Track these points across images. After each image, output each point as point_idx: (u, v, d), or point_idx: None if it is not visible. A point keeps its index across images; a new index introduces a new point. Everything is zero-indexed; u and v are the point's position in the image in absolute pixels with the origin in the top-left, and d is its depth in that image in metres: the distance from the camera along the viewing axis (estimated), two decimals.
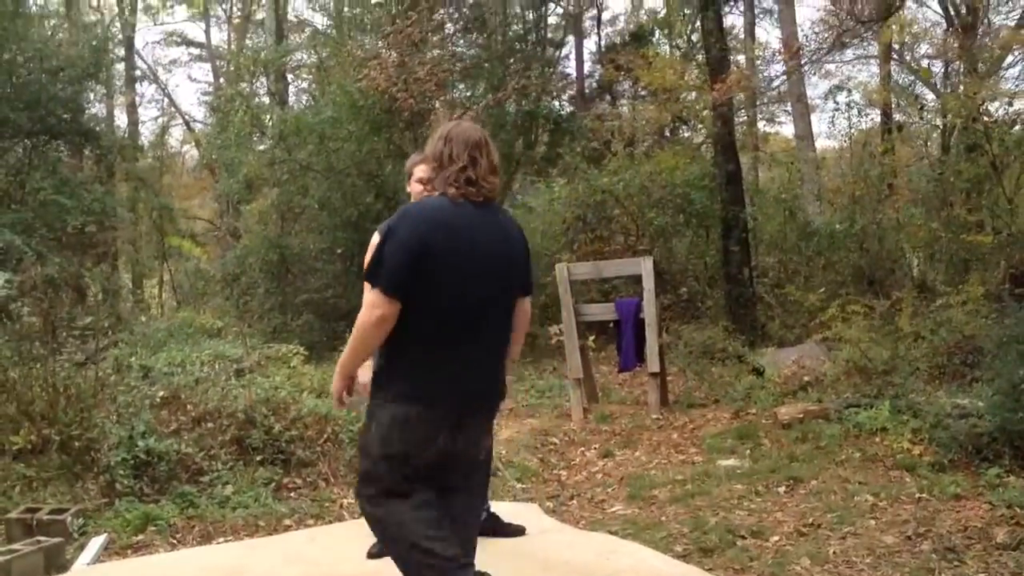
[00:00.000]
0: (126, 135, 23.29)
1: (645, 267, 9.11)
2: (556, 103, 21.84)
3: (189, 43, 33.25)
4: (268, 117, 14.42)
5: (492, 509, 5.25)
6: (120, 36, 28.43)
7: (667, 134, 22.30)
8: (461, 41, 19.23)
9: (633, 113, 24.39)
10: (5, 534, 6.25)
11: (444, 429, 3.40)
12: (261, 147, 13.59)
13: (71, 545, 6.07)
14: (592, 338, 11.41)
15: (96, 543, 6.08)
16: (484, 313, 3.46)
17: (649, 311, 9.03)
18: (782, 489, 6.58)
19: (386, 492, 3.43)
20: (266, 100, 16.00)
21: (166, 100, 32.45)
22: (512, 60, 18.40)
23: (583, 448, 8.23)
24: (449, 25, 19.57)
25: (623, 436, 8.49)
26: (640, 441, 8.33)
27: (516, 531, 4.82)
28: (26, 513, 6.34)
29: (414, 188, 5.06)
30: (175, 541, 6.10)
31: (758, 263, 14.41)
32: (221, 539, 6.09)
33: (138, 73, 29.72)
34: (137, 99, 30.03)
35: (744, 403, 9.14)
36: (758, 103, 23.23)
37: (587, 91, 24.42)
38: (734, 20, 23.41)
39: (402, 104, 12.47)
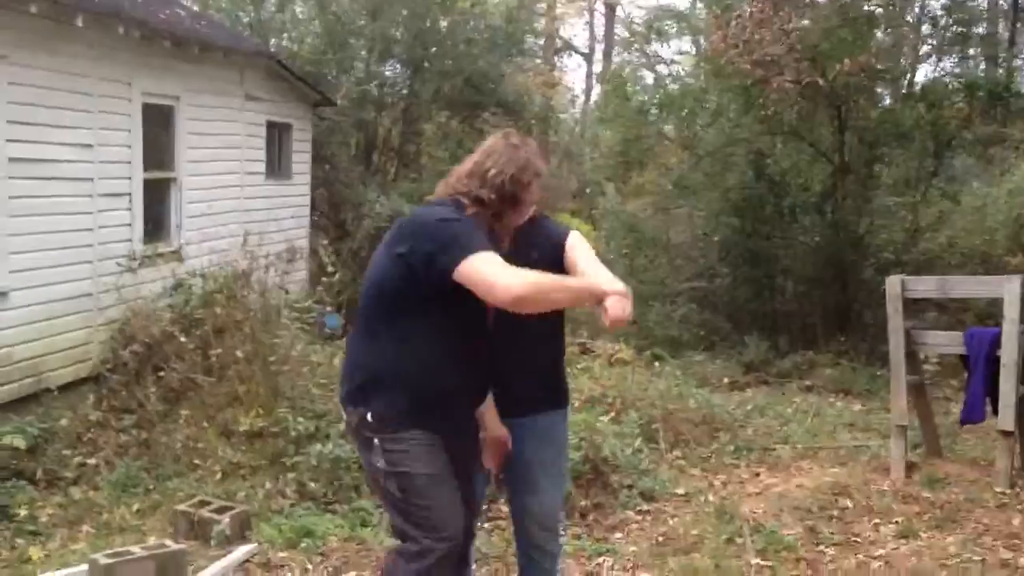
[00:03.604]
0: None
1: (1009, 290, 6.80)
2: None
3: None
4: (633, 88, 13.30)
5: None
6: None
7: None
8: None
9: None
10: (172, 524, 5.97)
11: None
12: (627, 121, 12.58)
13: (216, 550, 5.62)
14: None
15: (235, 554, 5.55)
16: None
17: (1008, 349, 6.73)
18: None
19: None
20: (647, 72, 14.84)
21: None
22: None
23: (879, 520, 6.29)
24: None
25: (944, 511, 6.39)
26: (964, 522, 6.21)
27: None
28: (196, 506, 6.02)
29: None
30: (309, 568, 5.37)
31: None
32: (353, 573, 5.26)
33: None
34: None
35: None
36: None
37: None
38: None
39: (748, 72, 10.66)
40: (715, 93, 12.34)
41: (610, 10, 29.78)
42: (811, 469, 7.49)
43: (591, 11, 31.07)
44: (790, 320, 13.46)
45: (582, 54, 32.52)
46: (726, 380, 10.60)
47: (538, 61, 26.34)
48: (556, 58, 29.52)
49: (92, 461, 6.74)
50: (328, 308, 10.49)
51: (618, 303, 3.03)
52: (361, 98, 17.37)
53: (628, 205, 13.59)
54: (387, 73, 18.91)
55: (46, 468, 6.67)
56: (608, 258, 12.55)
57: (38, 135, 7.81)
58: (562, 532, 3.89)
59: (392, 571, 3.11)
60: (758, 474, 7.50)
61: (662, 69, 14.26)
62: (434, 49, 17.71)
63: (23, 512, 6.22)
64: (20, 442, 6.55)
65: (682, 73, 14.74)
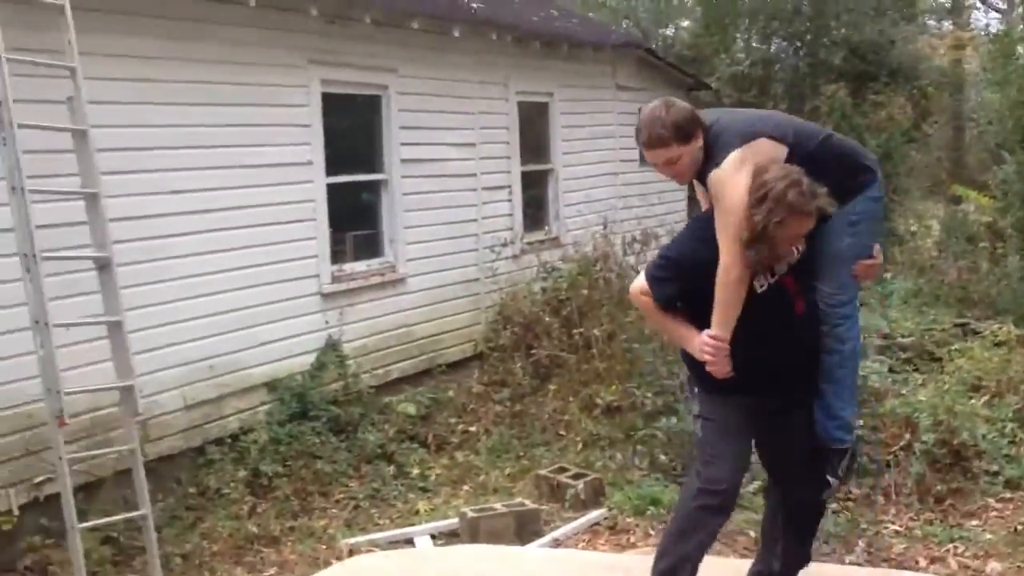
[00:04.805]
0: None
1: None
2: None
3: None
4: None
5: None
6: None
7: None
8: None
9: None
10: (536, 487, 6.55)
11: None
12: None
13: (570, 511, 6.11)
14: None
15: (587, 517, 6.01)
16: None
17: None
18: None
19: None
20: None
21: None
22: None
23: None
24: None
25: None
26: None
27: None
28: (556, 472, 6.57)
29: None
30: (651, 533, 5.70)
31: None
32: None
33: None
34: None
35: None
36: None
37: None
38: None
39: None
40: None
41: None
42: None
43: None
44: None
45: (998, 10, 30.01)
46: None
47: (940, 23, 24.77)
48: (971, 17, 27.54)
49: (473, 428, 7.55)
50: None
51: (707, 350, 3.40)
52: (742, 78, 17.36)
53: None
54: (771, 50, 18.75)
55: (435, 433, 7.55)
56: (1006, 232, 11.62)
57: (426, 137, 8.79)
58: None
59: (682, 501, 3.72)
60: None
61: None
62: (818, 21, 17.32)
63: (416, 471, 7.12)
64: (411, 409, 7.49)
65: None
